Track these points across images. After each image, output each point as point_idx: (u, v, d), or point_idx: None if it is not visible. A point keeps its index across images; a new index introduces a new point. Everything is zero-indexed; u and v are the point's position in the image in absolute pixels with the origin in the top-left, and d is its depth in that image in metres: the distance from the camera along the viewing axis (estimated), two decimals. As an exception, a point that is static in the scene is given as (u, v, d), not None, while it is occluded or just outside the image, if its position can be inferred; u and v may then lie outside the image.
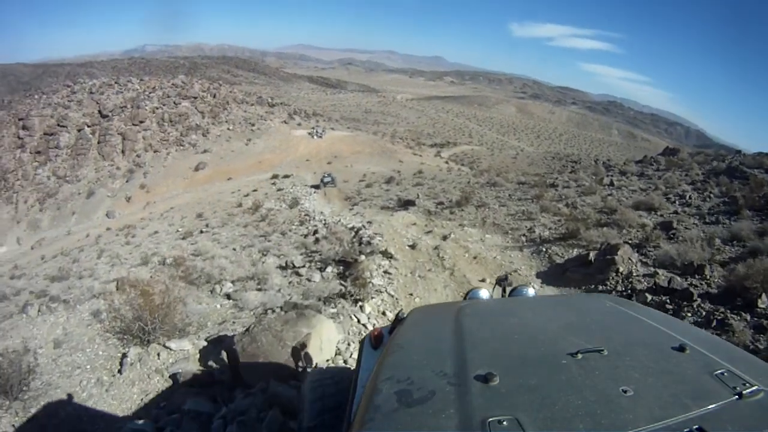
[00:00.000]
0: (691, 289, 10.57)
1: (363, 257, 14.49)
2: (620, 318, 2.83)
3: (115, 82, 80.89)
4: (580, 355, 2.12)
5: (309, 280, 13.73)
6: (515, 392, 1.89)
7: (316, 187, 43.71)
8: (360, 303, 10.96)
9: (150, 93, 77.01)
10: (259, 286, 13.54)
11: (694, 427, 1.63)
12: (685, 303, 10.20)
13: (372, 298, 11.44)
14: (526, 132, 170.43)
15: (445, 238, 17.40)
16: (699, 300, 10.23)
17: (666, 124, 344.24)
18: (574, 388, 1.90)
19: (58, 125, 65.17)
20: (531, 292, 4.21)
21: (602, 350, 2.15)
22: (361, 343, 3.57)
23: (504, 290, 4.52)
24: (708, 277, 11.53)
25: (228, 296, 12.56)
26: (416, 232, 19.02)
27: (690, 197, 20.19)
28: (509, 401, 1.83)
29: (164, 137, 69.43)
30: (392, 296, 12.04)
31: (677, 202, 19.74)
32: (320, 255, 16.13)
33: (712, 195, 20.35)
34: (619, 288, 11.93)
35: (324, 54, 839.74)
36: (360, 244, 16.90)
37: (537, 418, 1.70)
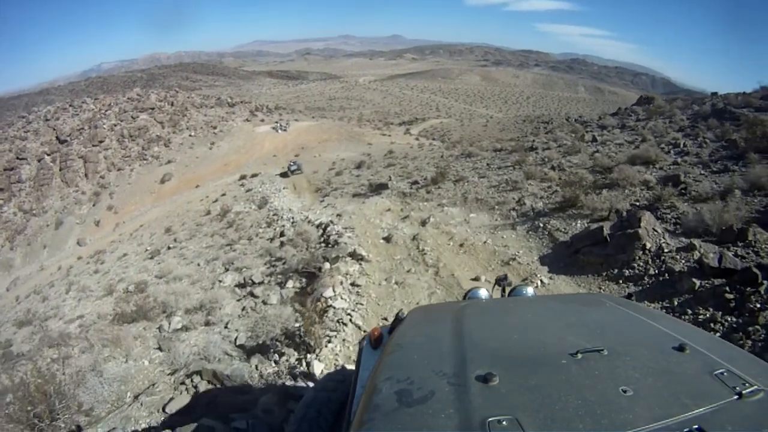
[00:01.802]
0: (754, 268, 7.95)
1: (327, 265, 12.37)
2: (620, 318, 2.74)
3: (70, 105, 78.20)
4: (579, 355, 2.08)
5: (265, 302, 11.89)
6: (515, 392, 1.88)
7: (284, 175, 44.39)
8: (309, 356, 8.55)
9: (106, 111, 74.54)
10: (208, 317, 11.77)
11: (694, 427, 1.61)
12: (749, 289, 7.69)
13: (329, 342, 8.97)
14: (493, 99, 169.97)
15: (424, 223, 15.44)
16: (767, 283, 7.67)
17: (631, 75, 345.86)
18: (573, 388, 1.87)
19: (18, 158, 62.27)
20: (531, 291, 4.15)
21: (602, 350, 2.11)
22: (361, 343, 3.51)
23: (504, 290, 4.46)
24: (753, 243, 9.20)
25: (159, 347, 10.42)
26: (391, 219, 17.17)
27: (685, 145, 18.68)
28: (509, 401, 1.81)
29: (126, 154, 66.98)
30: (359, 327, 9.63)
31: (672, 152, 18.16)
32: (284, 263, 14.36)
33: (707, 140, 18.80)
34: (651, 271, 9.50)
35: (281, 47, 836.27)
36: (327, 245, 14.91)
37: (537, 418, 1.69)
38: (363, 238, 14.65)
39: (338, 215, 18.88)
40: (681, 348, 2.15)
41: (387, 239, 14.28)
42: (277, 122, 77.79)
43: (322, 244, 15.20)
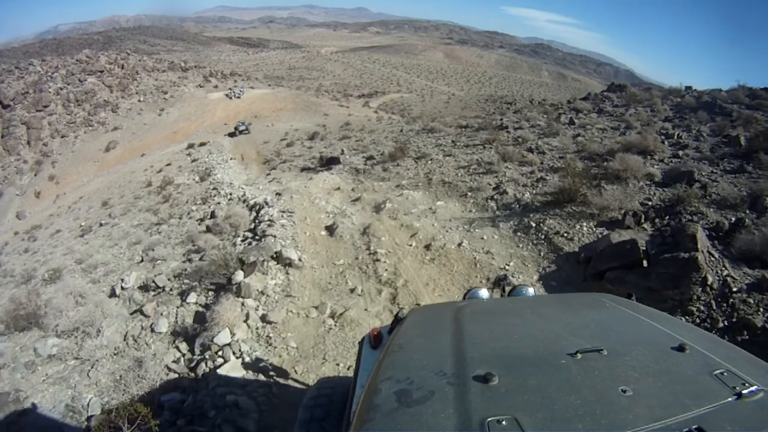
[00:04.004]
0: None
1: (239, 275, 9.05)
2: (620, 318, 2.68)
3: (16, 68, 72.02)
4: (579, 355, 2.05)
5: (153, 329, 8.95)
6: (514, 392, 1.85)
7: (232, 134, 46.29)
8: None
9: (53, 73, 68.90)
10: (83, 344, 9.07)
11: (693, 427, 1.59)
12: None
13: None
14: (456, 77, 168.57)
15: (378, 209, 12.82)
16: None
17: (595, 64, 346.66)
18: (573, 388, 1.85)
19: (-42, 126, 57.19)
20: (531, 291, 4.06)
21: (602, 350, 2.09)
22: (361, 343, 3.50)
23: (504, 290, 4.68)
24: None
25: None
26: (339, 201, 14.78)
27: (679, 137, 17.01)
28: (508, 401, 1.79)
29: (71, 119, 62.17)
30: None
31: (666, 143, 16.28)
32: (201, 257, 11.53)
33: (703, 134, 17.09)
34: (720, 322, 6.41)
35: (245, 14, 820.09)
36: (254, 235, 11.86)
37: (536, 418, 1.67)
38: (301, 227, 11.72)
39: (278, 194, 16.05)
40: (681, 348, 2.11)
41: (330, 230, 11.40)
42: (231, 89, 74.74)
43: (249, 234, 12.34)
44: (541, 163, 15.04)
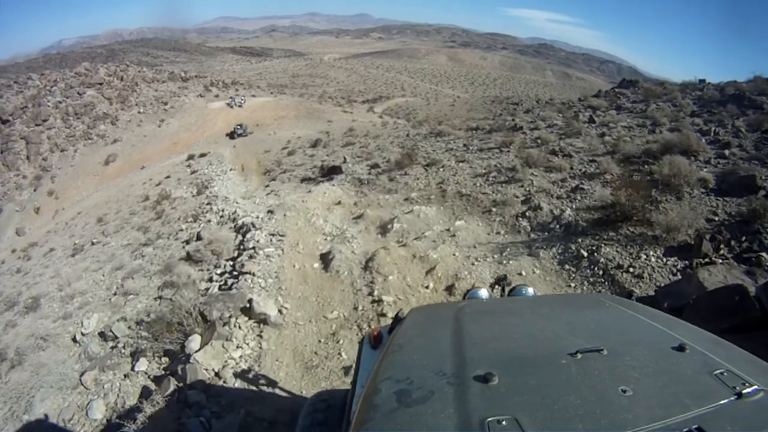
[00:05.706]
0: None
1: (195, 342, 6.80)
2: (620, 318, 2.62)
3: (15, 82, 71.72)
4: (579, 355, 2.01)
5: (87, 414, 6.95)
6: (514, 392, 1.82)
7: (231, 136, 49.22)
8: None
9: (51, 87, 68.40)
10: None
11: (694, 427, 1.56)
12: None
13: None
14: (460, 79, 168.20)
15: (384, 230, 11.09)
16: None
17: (598, 62, 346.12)
18: (573, 388, 1.81)
19: (-44, 143, 56.84)
20: (531, 291, 4.03)
21: (602, 350, 2.04)
22: (361, 343, 3.43)
23: (503, 290, 4.40)
24: None
25: None
26: (340, 219, 13.11)
27: (716, 133, 15.37)
28: (508, 401, 1.76)
29: (70, 133, 61.44)
30: None
31: (704, 140, 14.37)
32: (172, 295, 9.91)
33: (741, 130, 15.24)
34: None
35: (247, 24, 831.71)
36: (233, 270, 9.97)
37: (536, 418, 1.64)
38: (290, 257, 9.80)
39: (270, 212, 14.35)
40: (681, 348, 2.05)
41: (326, 261, 9.45)
42: (232, 98, 73.60)
43: (229, 266, 10.58)
44: (572, 168, 13.20)
